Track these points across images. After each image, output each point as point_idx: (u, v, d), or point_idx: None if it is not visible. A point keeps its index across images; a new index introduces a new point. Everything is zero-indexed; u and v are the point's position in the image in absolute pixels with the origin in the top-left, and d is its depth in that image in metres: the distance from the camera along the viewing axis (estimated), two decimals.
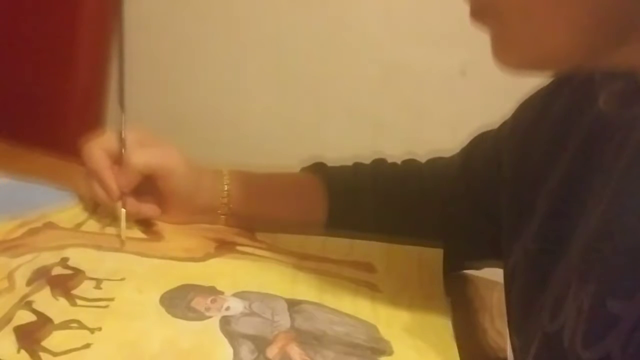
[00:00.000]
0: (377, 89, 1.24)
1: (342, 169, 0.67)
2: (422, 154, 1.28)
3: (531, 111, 0.54)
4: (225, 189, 0.62)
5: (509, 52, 0.36)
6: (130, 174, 0.58)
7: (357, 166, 0.67)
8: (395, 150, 1.27)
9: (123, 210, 0.59)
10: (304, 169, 0.68)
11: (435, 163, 0.67)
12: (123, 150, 0.58)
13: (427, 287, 0.59)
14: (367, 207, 0.64)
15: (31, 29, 1.21)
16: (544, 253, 0.44)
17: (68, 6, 1.22)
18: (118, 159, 0.58)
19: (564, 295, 0.39)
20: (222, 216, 0.63)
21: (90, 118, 1.34)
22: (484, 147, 0.62)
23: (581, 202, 0.41)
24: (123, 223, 0.59)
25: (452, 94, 1.20)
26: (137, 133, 0.59)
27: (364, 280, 0.59)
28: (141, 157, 0.58)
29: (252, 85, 1.28)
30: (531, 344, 0.41)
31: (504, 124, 0.59)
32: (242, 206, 0.63)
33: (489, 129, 0.63)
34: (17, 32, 1.21)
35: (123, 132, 0.58)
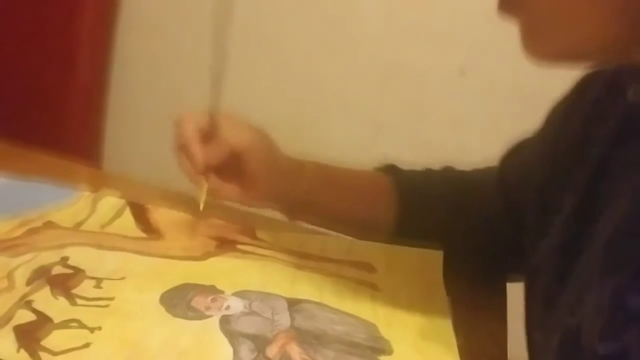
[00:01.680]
0: (377, 89, 1.24)
1: (413, 173, 0.67)
2: (421, 153, 1.28)
3: (559, 114, 0.54)
4: (306, 177, 0.63)
5: (538, 43, 0.37)
6: (219, 149, 0.59)
7: (429, 172, 0.67)
8: (394, 149, 1.27)
9: (205, 184, 0.60)
10: (376, 169, 0.68)
11: (488, 171, 0.66)
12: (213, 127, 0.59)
13: (427, 286, 0.59)
14: (435, 213, 0.64)
15: (31, 28, 1.21)
16: (568, 248, 0.44)
17: (68, 6, 1.22)
18: (207, 136, 0.59)
19: (585, 289, 0.39)
20: (296, 208, 0.63)
21: (91, 117, 1.34)
22: (518, 156, 0.62)
23: (607, 198, 0.41)
24: (203, 196, 0.60)
25: (451, 93, 1.20)
26: (227, 116, 0.60)
27: (364, 279, 0.59)
28: (233, 134, 0.59)
29: (251, 85, 1.28)
30: (553, 338, 0.42)
31: (535, 132, 0.59)
32: (318, 196, 0.63)
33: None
34: (17, 32, 1.21)
35: (215, 110, 0.59)
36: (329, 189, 0.64)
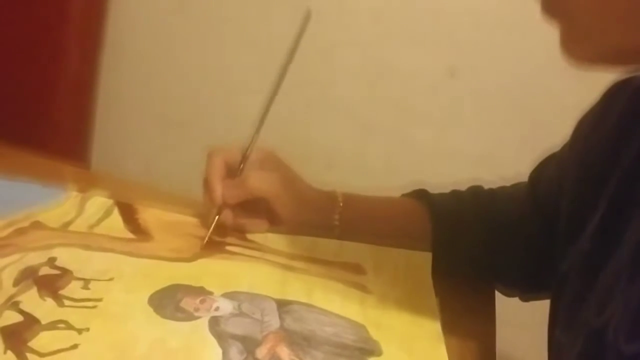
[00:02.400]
0: (366, 90, 1.24)
1: (443, 197, 0.67)
2: (410, 154, 1.28)
3: (588, 123, 0.55)
4: (338, 211, 0.64)
5: (578, 46, 0.37)
6: (239, 191, 0.60)
7: (458, 194, 0.68)
8: (383, 150, 1.28)
9: (216, 217, 0.61)
10: (405, 195, 0.69)
11: (516, 187, 0.67)
12: (242, 166, 0.61)
13: (416, 288, 0.60)
14: (471, 235, 0.64)
15: (19, 26, 1.20)
16: (597, 252, 0.45)
17: (57, 4, 1.22)
18: (234, 172, 0.61)
19: (612, 291, 0.39)
20: (329, 236, 0.64)
21: (79, 117, 1.33)
22: (548, 169, 0.63)
23: (638, 203, 0.42)
24: (211, 228, 0.60)
25: (440, 95, 1.20)
26: (261, 153, 0.62)
27: (353, 281, 0.59)
28: (256, 182, 0.61)
29: (241, 83, 1.28)
30: (577, 340, 0.42)
31: (565, 144, 0.59)
32: (352, 228, 0.64)
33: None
34: (3, 29, 1.20)
35: (249, 150, 0.61)
36: (362, 219, 0.65)
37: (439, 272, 0.61)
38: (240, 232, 0.63)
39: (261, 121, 0.62)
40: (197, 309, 0.51)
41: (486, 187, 0.68)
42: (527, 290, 0.65)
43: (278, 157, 0.64)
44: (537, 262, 0.60)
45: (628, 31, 0.35)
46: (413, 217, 0.66)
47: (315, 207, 0.64)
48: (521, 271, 0.63)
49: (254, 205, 0.62)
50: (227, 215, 0.61)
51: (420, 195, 0.68)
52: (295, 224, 0.63)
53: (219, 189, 0.60)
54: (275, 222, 0.63)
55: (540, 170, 0.64)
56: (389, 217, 0.67)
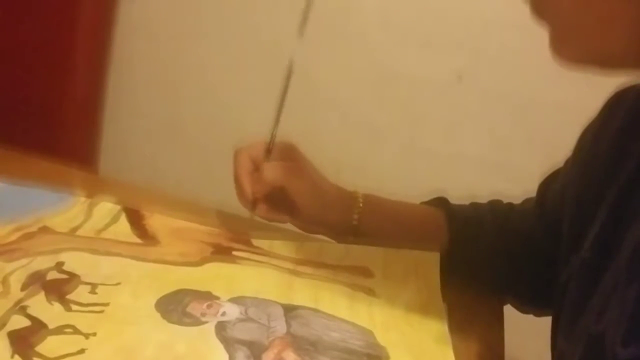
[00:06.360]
0: (374, 95, 1.24)
1: (462, 207, 0.67)
2: (417, 159, 1.28)
3: (591, 133, 0.55)
4: (358, 211, 0.64)
5: (564, 47, 0.38)
6: (262, 183, 0.61)
7: (477, 205, 0.68)
8: (391, 156, 1.27)
9: (254, 214, 0.63)
10: (424, 203, 0.69)
11: (529, 201, 0.67)
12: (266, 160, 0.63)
13: (424, 292, 0.59)
14: (485, 244, 0.64)
15: (29, 33, 1.21)
16: (597, 261, 0.45)
17: (66, 11, 1.22)
18: (260, 167, 0.63)
19: (610, 296, 0.39)
20: (346, 236, 0.64)
21: (87, 122, 1.34)
22: (554, 181, 0.63)
23: (636, 210, 0.42)
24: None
25: (448, 99, 1.20)
26: (284, 146, 0.63)
27: (360, 285, 0.59)
28: (273, 172, 0.62)
29: (248, 89, 1.28)
30: (577, 347, 0.42)
31: (569, 157, 0.59)
32: (370, 229, 0.64)
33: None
34: (15, 36, 1.21)
35: (271, 143, 0.63)
36: (380, 220, 0.65)
37: (448, 279, 0.61)
38: (268, 221, 0.64)
39: (279, 114, 0.63)
40: (203, 314, 0.51)
41: (494, 192, 0.68)
42: (539, 305, 0.64)
43: (297, 149, 0.65)
44: (547, 277, 0.60)
45: (609, 35, 0.35)
46: (431, 224, 0.66)
47: (334, 201, 0.64)
48: (533, 286, 0.63)
49: (278, 198, 0.63)
50: (262, 209, 0.62)
51: (440, 203, 0.68)
52: (313, 219, 0.63)
53: (247, 185, 0.61)
54: (295, 213, 0.63)
55: (547, 185, 0.64)
56: (407, 222, 0.67)
